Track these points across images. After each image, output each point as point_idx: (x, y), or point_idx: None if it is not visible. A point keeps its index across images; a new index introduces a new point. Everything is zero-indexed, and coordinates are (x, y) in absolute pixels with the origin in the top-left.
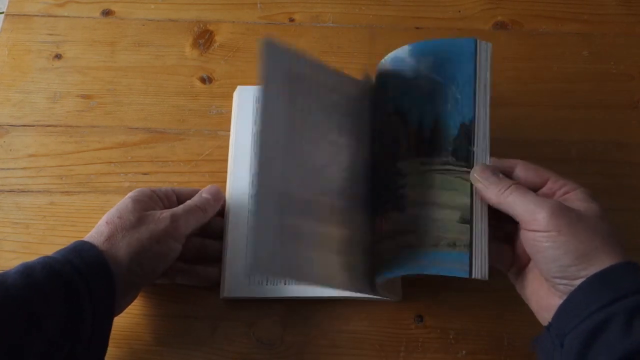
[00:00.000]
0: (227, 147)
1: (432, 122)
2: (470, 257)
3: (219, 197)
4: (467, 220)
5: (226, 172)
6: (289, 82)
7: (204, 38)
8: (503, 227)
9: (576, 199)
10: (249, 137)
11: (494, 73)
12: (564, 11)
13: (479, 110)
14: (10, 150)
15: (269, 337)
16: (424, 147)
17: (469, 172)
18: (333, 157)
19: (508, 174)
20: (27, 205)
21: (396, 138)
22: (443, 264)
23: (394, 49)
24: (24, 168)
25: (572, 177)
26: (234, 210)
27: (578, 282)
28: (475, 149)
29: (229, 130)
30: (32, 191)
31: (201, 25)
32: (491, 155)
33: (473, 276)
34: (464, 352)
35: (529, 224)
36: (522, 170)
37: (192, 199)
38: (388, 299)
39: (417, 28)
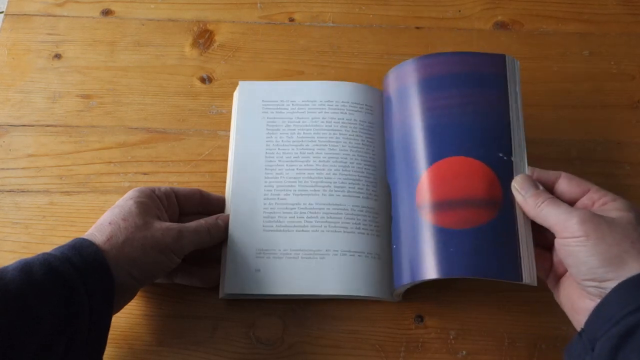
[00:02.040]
0: (227, 147)
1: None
2: (520, 262)
3: (227, 223)
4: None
5: (226, 172)
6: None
7: (203, 38)
8: (543, 234)
9: (613, 208)
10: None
11: None
12: (565, 11)
13: (512, 122)
14: (10, 150)
15: (269, 337)
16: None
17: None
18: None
19: (550, 186)
20: (27, 205)
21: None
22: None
23: (394, 49)
24: (24, 168)
25: None
26: (234, 211)
27: (607, 284)
28: (513, 158)
29: (229, 130)
30: (31, 191)
31: (201, 25)
32: (529, 163)
33: (524, 281)
34: (464, 352)
35: (561, 232)
36: (564, 181)
37: (206, 220)
38: (388, 299)
39: (417, 28)
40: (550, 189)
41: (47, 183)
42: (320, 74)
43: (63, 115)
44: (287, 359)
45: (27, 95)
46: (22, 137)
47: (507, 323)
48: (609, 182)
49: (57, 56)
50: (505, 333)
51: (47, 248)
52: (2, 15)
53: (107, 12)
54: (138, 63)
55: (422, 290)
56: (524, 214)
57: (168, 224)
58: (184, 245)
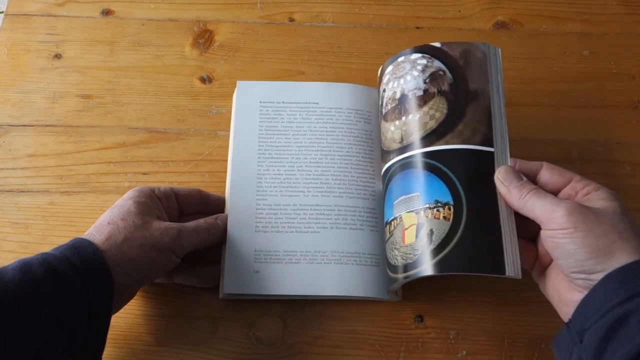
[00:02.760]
0: (227, 147)
1: None
2: (502, 255)
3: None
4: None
5: (226, 172)
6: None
7: (203, 38)
8: (527, 225)
9: (597, 198)
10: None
11: None
12: (565, 11)
13: (494, 112)
14: (10, 150)
15: (269, 337)
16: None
17: None
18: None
19: (533, 176)
20: (27, 205)
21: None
22: None
23: (394, 49)
24: (24, 168)
25: None
26: (233, 211)
27: (595, 276)
28: (495, 149)
29: (229, 130)
30: (31, 191)
31: (201, 25)
32: (511, 155)
33: (507, 275)
34: (464, 352)
35: (547, 224)
36: (546, 172)
37: (205, 219)
38: (388, 299)
39: (417, 28)
40: (532, 181)
41: (47, 183)
42: (320, 74)
43: (63, 115)
44: (287, 359)
45: (27, 95)
46: (22, 137)
47: (507, 323)
48: (609, 182)
49: (57, 56)
50: (505, 333)
51: (47, 248)
52: (2, 15)
53: (107, 12)
54: (138, 63)
55: (422, 290)
56: (507, 205)
57: (167, 223)
58: (183, 244)
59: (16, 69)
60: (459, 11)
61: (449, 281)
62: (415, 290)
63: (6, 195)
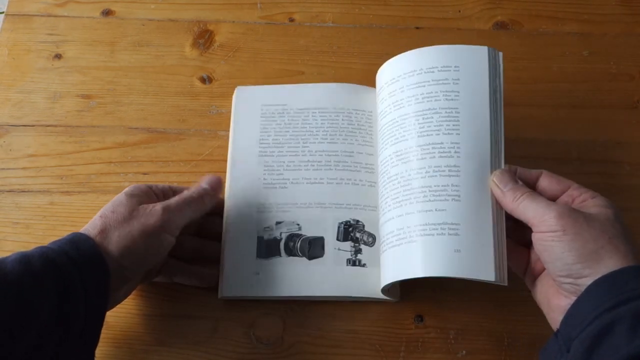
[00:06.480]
0: (227, 147)
1: None
2: (494, 261)
3: (217, 186)
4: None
5: (226, 172)
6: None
7: (204, 38)
8: (520, 230)
9: (592, 204)
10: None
11: None
12: (564, 11)
13: (490, 115)
14: (10, 150)
15: (269, 337)
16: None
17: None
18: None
19: (532, 183)
20: (27, 205)
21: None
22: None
23: (394, 49)
24: (24, 168)
25: (572, 177)
26: (232, 211)
27: (583, 281)
28: (490, 155)
29: (229, 130)
30: (32, 191)
31: (201, 25)
32: (506, 161)
33: (494, 280)
34: (464, 352)
35: (538, 227)
36: (545, 179)
37: (189, 189)
38: (387, 299)
39: (417, 28)
40: (532, 188)
41: (47, 183)
42: (320, 74)
43: (63, 115)
44: (287, 359)
45: (28, 95)
46: (23, 137)
47: (507, 323)
48: (609, 182)
49: (58, 56)
50: (505, 333)
51: None
52: (2, 15)
53: (107, 12)
54: (138, 63)
55: (422, 290)
56: (498, 211)
57: (150, 205)
58: (174, 219)
59: (17, 69)
60: (459, 11)
61: (448, 281)
62: (415, 290)
63: (6, 195)
